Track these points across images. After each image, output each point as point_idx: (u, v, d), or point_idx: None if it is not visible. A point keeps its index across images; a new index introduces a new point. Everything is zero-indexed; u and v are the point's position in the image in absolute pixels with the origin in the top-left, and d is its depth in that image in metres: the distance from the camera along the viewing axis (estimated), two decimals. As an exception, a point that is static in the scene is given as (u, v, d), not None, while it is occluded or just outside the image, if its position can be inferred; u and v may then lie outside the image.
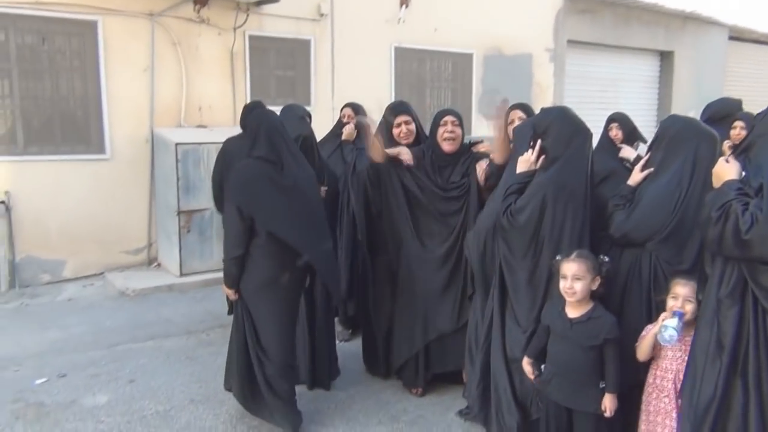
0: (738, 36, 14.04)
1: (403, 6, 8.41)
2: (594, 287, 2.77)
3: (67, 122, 6.40)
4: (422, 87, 8.97)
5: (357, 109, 5.11)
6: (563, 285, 2.76)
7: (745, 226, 2.03)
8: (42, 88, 6.23)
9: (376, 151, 3.70)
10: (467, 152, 3.76)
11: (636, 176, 3.07)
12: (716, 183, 2.26)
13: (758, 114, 2.38)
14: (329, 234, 3.67)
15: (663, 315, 2.63)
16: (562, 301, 2.82)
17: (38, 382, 4.22)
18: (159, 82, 6.73)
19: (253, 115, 3.60)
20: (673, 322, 2.53)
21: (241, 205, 3.26)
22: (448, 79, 9.28)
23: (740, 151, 2.26)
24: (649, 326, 2.71)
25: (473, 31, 9.18)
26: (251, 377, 3.45)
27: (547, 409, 2.88)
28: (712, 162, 2.79)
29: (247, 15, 7.12)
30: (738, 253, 2.10)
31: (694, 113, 11.73)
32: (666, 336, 2.52)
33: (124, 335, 5.09)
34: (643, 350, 2.72)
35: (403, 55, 8.63)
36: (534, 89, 10.17)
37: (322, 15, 7.75)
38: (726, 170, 2.25)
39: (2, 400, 3.95)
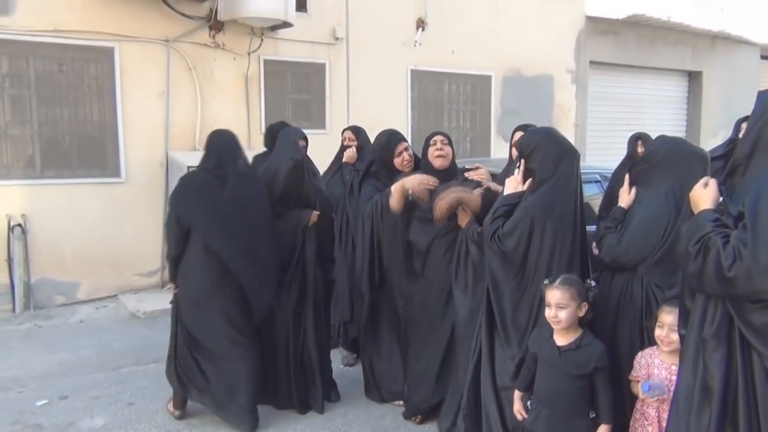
0: (771, 55, 13.74)
1: (420, 29, 8.42)
2: (581, 314, 2.67)
3: (84, 146, 6.53)
4: (440, 109, 8.94)
5: (357, 132, 5.12)
6: (548, 313, 2.67)
7: (728, 262, 1.85)
8: (60, 113, 6.37)
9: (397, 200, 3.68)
10: (460, 176, 3.73)
11: (626, 198, 2.97)
12: (693, 209, 2.12)
13: (742, 136, 2.25)
14: (270, 252, 3.78)
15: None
16: (550, 328, 2.72)
17: (39, 404, 4.23)
18: (174, 106, 6.83)
19: (211, 132, 3.97)
20: (645, 395, 2.51)
21: (178, 211, 3.62)
22: (467, 102, 9.23)
23: (724, 176, 2.10)
24: (636, 366, 2.64)
25: (491, 53, 9.14)
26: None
27: (537, 443, 2.76)
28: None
29: (262, 39, 7.20)
30: (721, 291, 1.93)
31: (724, 134, 11.53)
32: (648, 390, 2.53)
33: (130, 357, 5.10)
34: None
35: (420, 78, 8.62)
36: (555, 111, 10.06)
37: (337, 39, 7.80)
38: (702, 198, 2.09)
39: (1, 421, 3.97)
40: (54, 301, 6.36)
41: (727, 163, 2.10)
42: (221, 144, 3.83)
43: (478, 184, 3.55)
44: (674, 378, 2.44)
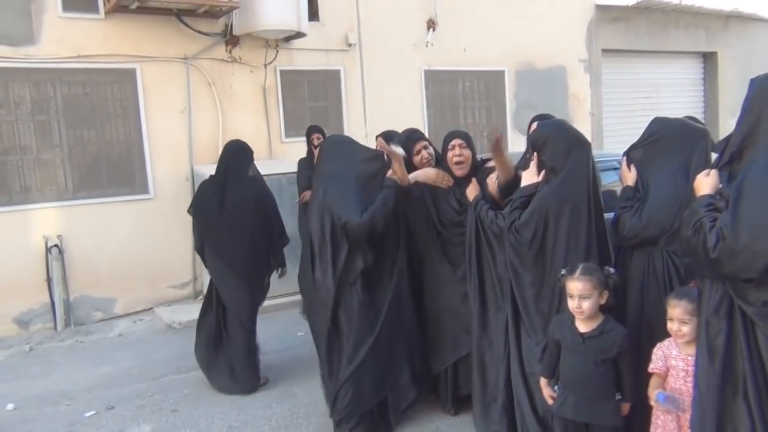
0: (786, 30, 13.59)
1: (431, 29, 8.52)
2: (603, 302, 2.75)
3: (112, 166, 6.74)
4: (455, 108, 9.04)
5: (389, 137, 5.21)
6: (571, 304, 2.74)
7: (711, 243, 1.94)
8: (87, 135, 6.60)
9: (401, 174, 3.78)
10: (480, 169, 3.79)
11: (628, 175, 3.06)
12: (695, 197, 2.21)
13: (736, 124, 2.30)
14: (261, 247, 4.62)
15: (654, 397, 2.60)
16: (571, 316, 2.80)
17: (88, 414, 4.42)
18: (196, 121, 7.03)
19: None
20: (659, 404, 2.55)
21: (191, 212, 4.67)
22: (481, 98, 9.31)
23: (723, 163, 2.16)
24: (654, 358, 2.68)
25: (503, 48, 9.22)
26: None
27: (566, 427, 2.84)
28: (706, 156, 2.79)
29: (277, 51, 7.37)
30: (711, 272, 2.03)
31: (742, 113, 11.42)
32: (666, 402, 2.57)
33: (170, 367, 5.27)
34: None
35: (433, 78, 8.73)
36: (570, 101, 10.09)
37: (350, 45, 7.94)
38: (701, 185, 2.19)
39: (55, 433, 4.17)
40: (93, 317, 6.59)
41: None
42: (226, 154, 4.69)
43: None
44: (691, 369, 2.51)
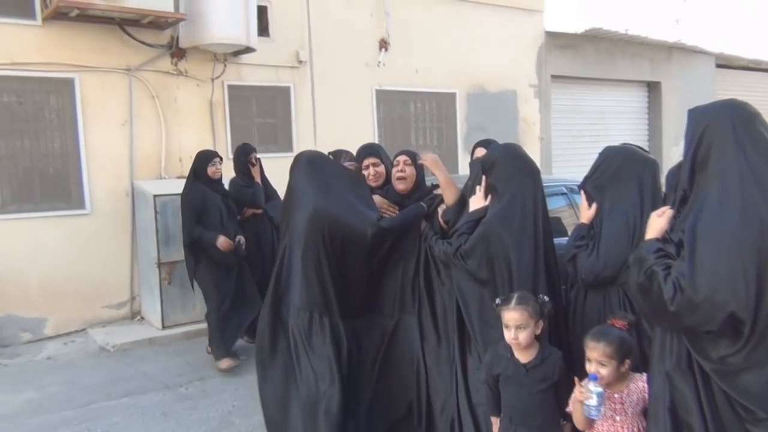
0: (725, 63, 14.10)
1: (383, 49, 8.48)
2: (538, 332, 2.67)
3: (46, 179, 6.41)
4: (407, 128, 8.99)
5: (338, 155, 5.13)
6: (508, 335, 2.65)
7: (669, 295, 1.85)
8: (20, 146, 6.26)
9: None
10: (428, 194, 3.67)
11: (587, 213, 2.98)
12: (646, 236, 2.12)
13: (682, 161, 2.19)
14: None
15: (579, 391, 2.42)
16: (509, 347, 2.71)
17: (5, 446, 4.13)
18: (138, 135, 6.76)
19: None
20: (593, 401, 2.34)
21: None
22: (433, 119, 9.30)
23: (678, 204, 2.09)
24: (573, 395, 2.50)
25: (455, 71, 9.24)
26: None
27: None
28: (656, 186, 2.75)
29: (225, 65, 7.19)
30: (670, 325, 1.94)
31: (685, 142, 11.75)
32: (592, 414, 2.38)
33: (100, 393, 4.99)
34: (579, 423, 2.53)
35: (385, 98, 8.67)
36: (520, 125, 10.19)
37: (300, 62, 7.82)
38: (651, 226, 2.10)
39: (-34, 467, 3.85)
40: (20, 338, 6.20)
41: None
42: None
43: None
44: (616, 406, 2.45)
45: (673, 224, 2.06)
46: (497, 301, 2.72)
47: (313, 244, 3.25)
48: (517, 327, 2.61)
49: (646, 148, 4.91)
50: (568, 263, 3.00)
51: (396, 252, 3.45)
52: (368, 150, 4.01)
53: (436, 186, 3.72)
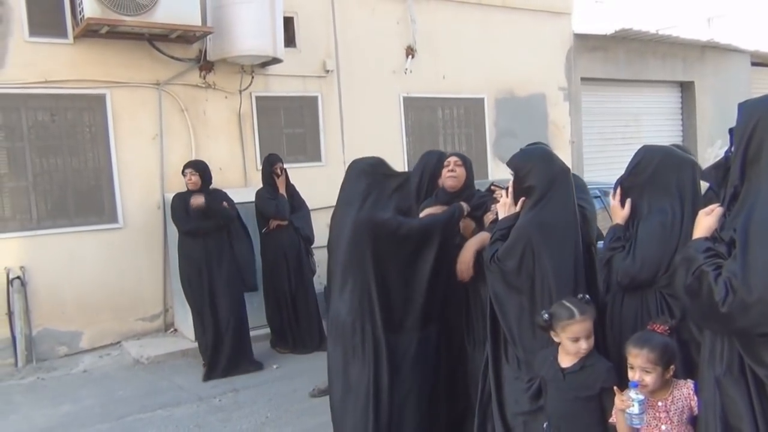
0: (761, 61, 13.77)
1: (409, 56, 8.44)
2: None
3: (80, 194, 6.50)
4: (435, 135, 8.93)
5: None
6: (575, 348, 2.57)
7: (720, 297, 1.74)
8: (54, 163, 6.36)
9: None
10: (483, 195, 3.66)
11: (621, 213, 2.86)
12: (694, 234, 2.03)
13: (732, 156, 2.09)
14: None
15: (619, 399, 2.34)
16: (554, 350, 2.64)
17: (43, 459, 4.15)
18: (168, 148, 6.83)
19: None
20: (635, 409, 2.25)
21: None
22: (461, 125, 9.22)
23: (728, 202, 1.98)
24: (615, 405, 2.41)
25: (482, 76, 9.16)
26: None
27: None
28: (696, 187, 2.64)
29: (252, 77, 7.22)
30: (721, 327, 1.84)
31: (721, 142, 11.48)
32: (634, 423, 2.29)
33: (135, 405, 5.01)
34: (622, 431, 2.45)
35: (412, 105, 8.62)
36: (550, 128, 10.05)
37: (327, 71, 7.82)
38: (699, 225, 2.01)
39: (5, 480, 3.88)
40: (57, 352, 6.28)
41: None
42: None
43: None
44: (661, 414, 2.35)
45: (723, 223, 1.96)
46: (545, 315, 2.63)
47: (357, 250, 3.19)
48: (586, 337, 2.56)
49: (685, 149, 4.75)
50: (604, 266, 2.90)
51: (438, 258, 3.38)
52: (453, 153, 3.98)
53: (495, 186, 3.65)
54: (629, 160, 2.95)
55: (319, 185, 7.12)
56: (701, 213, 2.05)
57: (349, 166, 3.56)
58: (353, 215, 3.23)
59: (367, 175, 3.39)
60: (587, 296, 2.64)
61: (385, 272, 3.19)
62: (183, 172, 5.75)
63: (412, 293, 3.24)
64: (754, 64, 13.52)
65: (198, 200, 5.52)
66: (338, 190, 3.50)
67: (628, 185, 2.88)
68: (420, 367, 3.26)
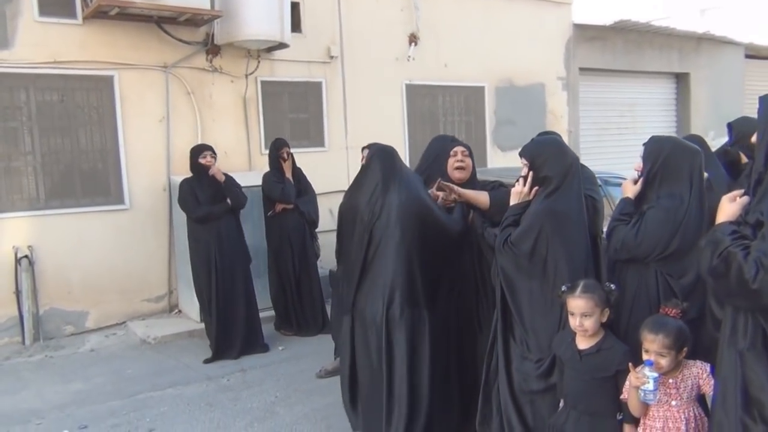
0: (755, 54, 13.92)
1: (412, 44, 8.51)
2: (603, 320, 2.70)
3: (87, 175, 6.55)
4: (435, 122, 9.02)
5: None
6: (573, 322, 2.70)
7: (751, 274, 1.83)
8: (62, 143, 6.39)
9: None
10: (487, 187, 3.69)
11: (633, 188, 2.98)
12: (717, 220, 2.11)
13: (756, 145, 2.16)
14: None
15: (635, 377, 2.44)
16: (572, 332, 2.76)
17: (60, 434, 4.25)
18: (174, 131, 6.87)
19: None
20: (650, 385, 2.37)
21: None
22: (461, 113, 9.31)
23: (755, 185, 2.06)
24: (627, 382, 2.54)
25: (483, 64, 9.25)
26: None
27: (565, 445, 2.78)
28: (701, 174, 2.76)
29: (258, 61, 7.27)
30: (749, 304, 1.92)
31: (714, 134, 11.64)
32: (648, 399, 2.42)
33: (145, 383, 5.10)
34: (634, 409, 2.56)
35: (414, 92, 8.70)
36: (548, 117, 10.16)
37: (332, 57, 7.87)
38: (722, 210, 2.09)
39: (24, 454, 3.98)
40: (63, 331, 6.36)
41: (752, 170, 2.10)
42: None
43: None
44: (671, 391, 2.48)
45: (747, 208, 2.05)
46: (563, 288, 2.75)
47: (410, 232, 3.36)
48: (582, 314, 2.65)
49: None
50: (607, 237, 3.02)
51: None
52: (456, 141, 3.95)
53: (502, 184, 3.74)
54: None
55: (321, 170, 7.20)
56: (725, 199, 2.13)
57: (372, 149, 3.70)
58: (396, 197, 3.37)
59: (395, 157, 3.56)
60: (612, 285, 2.74)
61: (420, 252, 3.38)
62: (202, 154, 5.71)
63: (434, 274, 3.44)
64: (748, 56, 13.67)
65: (219, 172, 5.65)
66: (343, 174, 3.63)
67: (647, 171, 2.97)
68: (433, 346, 3.40)
